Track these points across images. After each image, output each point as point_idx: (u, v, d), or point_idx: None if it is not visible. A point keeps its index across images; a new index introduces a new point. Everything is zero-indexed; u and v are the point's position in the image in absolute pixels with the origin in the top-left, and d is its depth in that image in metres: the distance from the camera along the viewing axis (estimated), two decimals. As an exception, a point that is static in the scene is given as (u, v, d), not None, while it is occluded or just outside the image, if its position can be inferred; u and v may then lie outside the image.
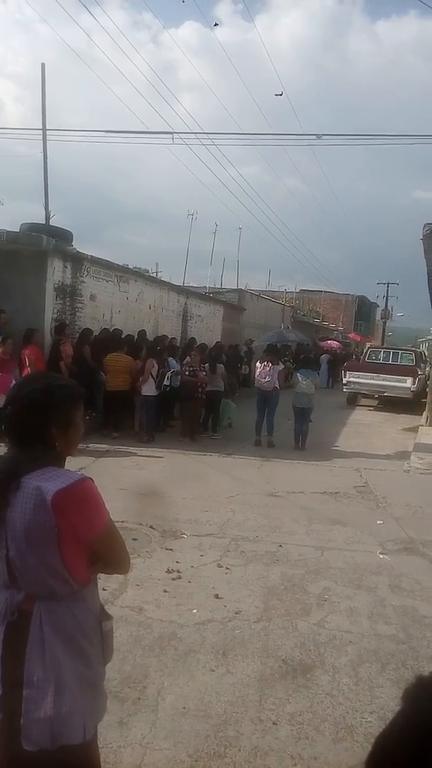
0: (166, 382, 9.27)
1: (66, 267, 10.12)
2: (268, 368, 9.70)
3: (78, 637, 1.52)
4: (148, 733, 2.53)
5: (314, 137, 13.02)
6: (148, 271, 22.43)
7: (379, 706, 2.81)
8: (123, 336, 10.73)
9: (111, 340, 10.26)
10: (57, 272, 9.83)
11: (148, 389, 9.31)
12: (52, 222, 11.73)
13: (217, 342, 14.90)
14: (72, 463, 1.62)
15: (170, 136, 15.32)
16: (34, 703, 1.45)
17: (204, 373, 9.88)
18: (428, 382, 15.88)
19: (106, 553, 1.59)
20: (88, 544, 1.51)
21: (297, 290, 38.48)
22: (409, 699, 0.43)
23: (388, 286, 44.55)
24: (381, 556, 4.82)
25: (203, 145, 30.36)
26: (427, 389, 14.50)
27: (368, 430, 12.40)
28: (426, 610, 3.86)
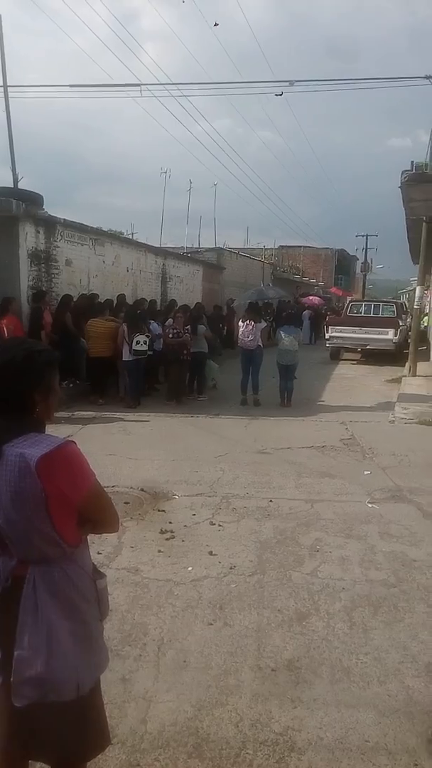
0: (136, 346, 9.08)
1: (39, 232, 9.82)
2: (250, 327, 9.64)
3: (74, 596, 1.56)
4: (151, 687, 2.60)
5: (287, 84, 12.60)
6: (123, 233, 21.91)
7: (374, 647, 2.91)
8: (99, 300, 10.52)
9: (90, 305, 10.07)
10: (30, 238, 9.55)
11: (124, 354, 9.20)
12: (20, 185, 11.30)
13: (197, 303, 14.74)
14: (59, 431, 1.60)
15: (138, 88, 14.67)
16: (25, 662, 1.50)
17: (187, 335, 9.78)
18: (409, 333, 15.98)
19: (95, 513, 1.60)
20: (76, 507, 1.52)
21: (276, 246, 38.02)
22: None
23: (366, 238, 44.24)
24: (369, 505, 4.92)
25: (172, 96, 29.29)
26: (409, 340, 14.61)
27: (352, 383, 12.50)
28: (415, 554, 3.97)
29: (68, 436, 7.01)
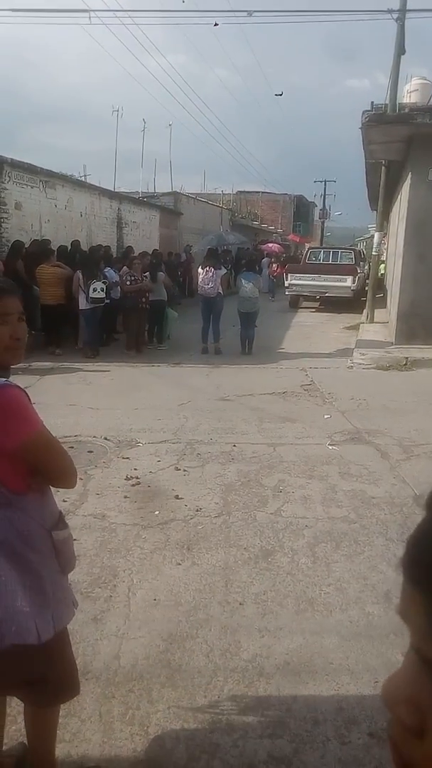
0: (92, 294, 8.82)
1: (-16, 172, 9.24)
2: (210, 274, 9.49)
3: (18, 546, 1.51)
4: (123, 626, 2.65)
5: (245, 14, 11.97)
6: (74, 176, 20.87)
7: (336, 579, 3.05)
8: (52, 247, 10.09)
9: (43, 251, 9.66)
10: (-25, 179, 8.98)
11: (81, 303, 8.94)
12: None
13: (154, 249, 14.37)
14: (16, 382, 1.52)
15: (87, 14, 13.64)
16: None
17: (147, 281, 9.55)
18: (367, 281, 16.13)
19: (39, 464, 1.53)
20: (12, 454, 1.45)
21: (234, 192, 37.10)
22: None
23: (325, 184, 43.87)
24: (330, 447, 5.05)
25: (124, 25, 27.34)
26: (366, 287, 14.76)
27: (311, 331, 12.62)
28: (373, 491, 4.13)
29: (26, 387, 6.85)
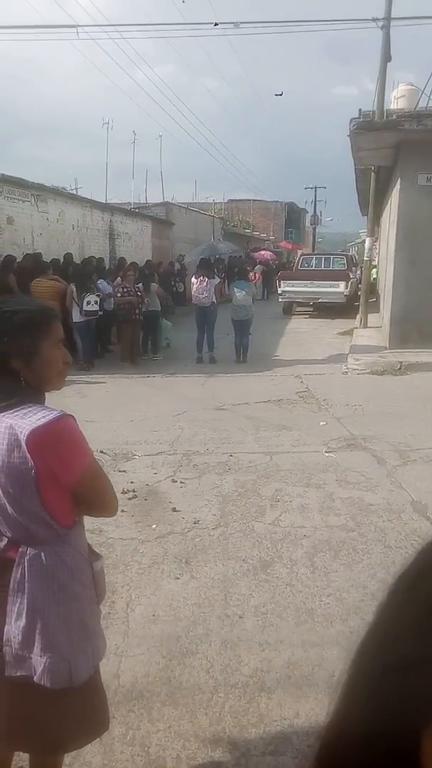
0: (86, 306, 8.83)
1: (-25, 188, 9.25)
2: (204, 283, 9.52)
3: (68, 581, 1.47)
4: (122, 643, 2.63)
5: (232, 26, 12.11)
6: (66, 189, 20.94)
7: (336, 588, 3.03)
8: (45, 260, 10.11)
9: (36, 265, 9.67)
10: (-35, 194, 8.99)
11: (74, 315, 8.95)
12: None
13: (147, 260, 14.41)
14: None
15: (74, 29, 13.75)
16: (13, 649, 1.43)
17: (138, 294, 9.57)
18: (359, 286, 16.19)
19: (90, 496, 1.50)
20: (68, 487, 1.41)
21: (225, 200, 37.26)
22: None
23: (315, 191, 44.16)
24: (327, 455, 5.05)
25: (111, 39, 27.59)
26: (359, 292, 14.81)
27: (305, 337, 12.64)
28: (371, 498, 4.11)
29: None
